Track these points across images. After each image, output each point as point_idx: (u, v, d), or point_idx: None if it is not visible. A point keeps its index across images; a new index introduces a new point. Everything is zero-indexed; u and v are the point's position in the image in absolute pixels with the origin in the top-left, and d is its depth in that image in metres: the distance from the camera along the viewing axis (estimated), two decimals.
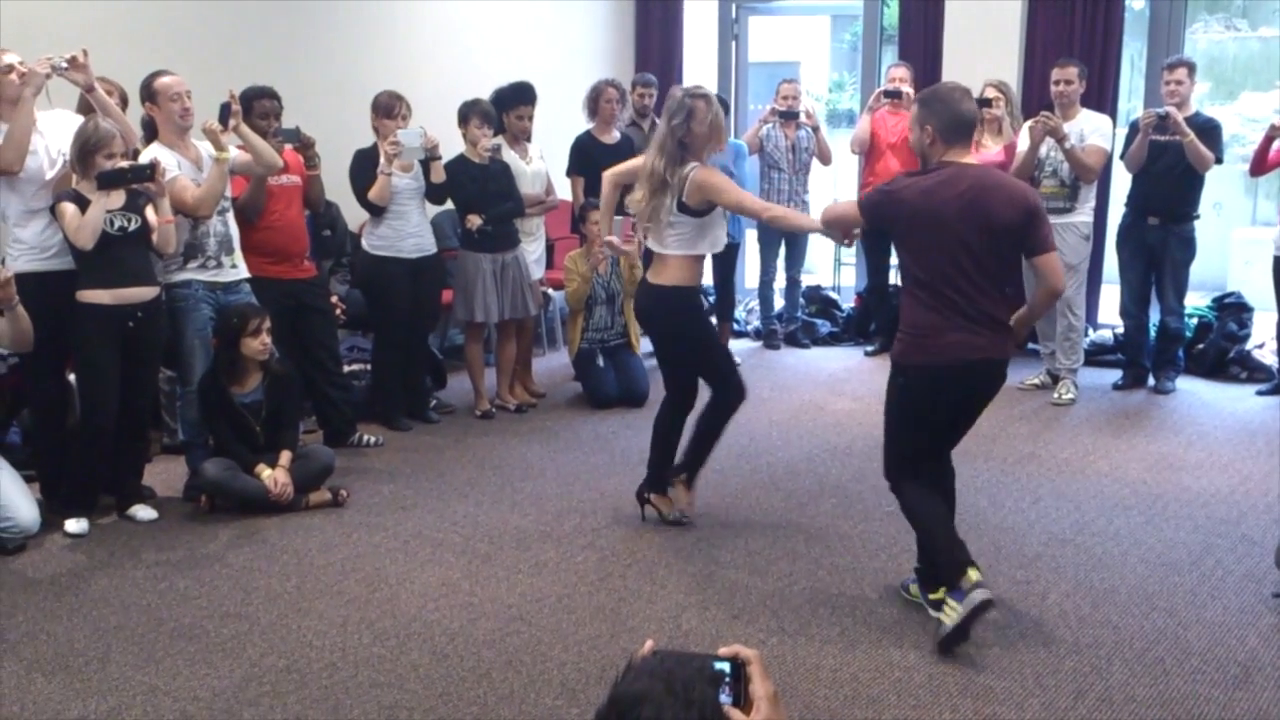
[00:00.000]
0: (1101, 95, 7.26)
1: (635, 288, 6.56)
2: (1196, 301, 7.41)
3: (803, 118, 7.65)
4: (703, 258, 4.42)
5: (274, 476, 4.76)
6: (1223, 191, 9.53)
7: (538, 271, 6.54)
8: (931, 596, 3.78)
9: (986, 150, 6.46)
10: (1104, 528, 4.61)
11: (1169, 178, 6.43)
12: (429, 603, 3.94)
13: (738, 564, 4.26)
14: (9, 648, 3.63)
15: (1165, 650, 3.57)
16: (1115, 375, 6.94)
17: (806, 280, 8.53)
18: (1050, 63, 6.84)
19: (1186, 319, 6.98)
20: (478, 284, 6.08)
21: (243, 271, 5.06)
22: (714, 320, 7.03)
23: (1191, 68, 6.48)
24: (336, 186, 6.05)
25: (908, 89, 7.21)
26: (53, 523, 4.59)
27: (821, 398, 6.69)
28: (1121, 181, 6.95)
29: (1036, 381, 6.85)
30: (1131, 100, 8.50)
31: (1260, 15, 10.66)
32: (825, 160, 7.85)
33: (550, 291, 7.30)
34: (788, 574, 4.17)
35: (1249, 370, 6.98)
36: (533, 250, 6.47)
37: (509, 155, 6.26)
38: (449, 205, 6.36)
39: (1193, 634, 3.67)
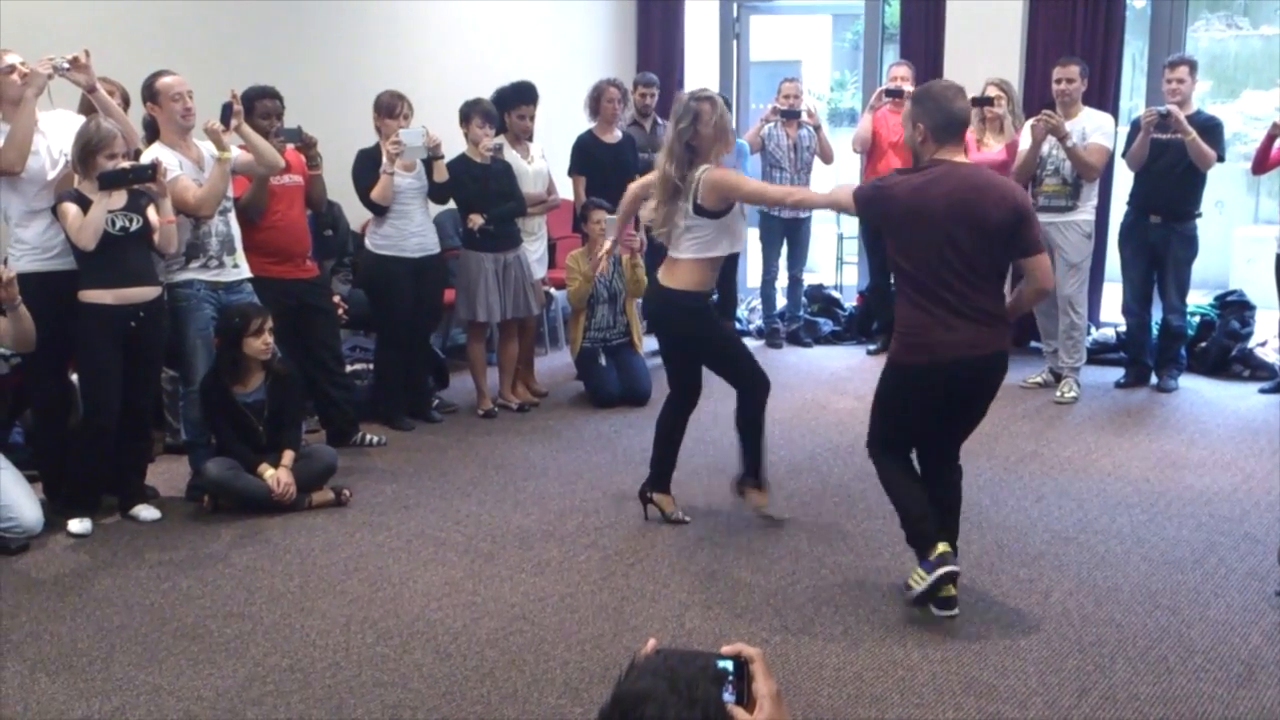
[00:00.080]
0: (1103, 94, 7.25)
1: (637, 287, 6.63)
2: (1199, 299, 7.40)
3: (804, 117, 7.65)
4: (718, 261, 4.39)
5: (277, 476, 4.76)
6: (1224, 189, 9.52)
7: (540, 271, 6.54)
8: (930, 558, 3.78)
9: (988, 149, 6.46)
10: (1107, 526, 4.61)
11: (1171, 176, 6.43)
12: (432, 602, 3.94)
13: (740, 563, 4.26)
14: (13, 648, 3.63)
15: (1168, 648, 3.57)
16: (1118, 373, 6.94)
17: (808, 279, 8.53)
18: (1052, 61, 6.84)
19: (1189, 317, 6.97)
20: (480, 283, 6.09)
21: (245, 271, 5.07)
22: None
23: (1193, 66, 6.48)
24: (338, 186, 6.06)
25: (909, 88, 7.20)
26: (56, 523, 4.59)
27: (824, 396, 6.69)
28: (1123, 180, 6.95)
29: (1039, 380, 6.85)
30: (1133, 99, 8.49)
31: (1262, 13, 10.65)
32: (827, 159, 7.85)
33: (552, 291, 7.30)
34: (790, 573, 4.17)
35: (1251, 368, 6.97)
36: (535, 249, 6.47)
37: (510, 155, 6.26)
38: (451, 205, 6.36)
39: (1196, 632, 3.67)
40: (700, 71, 9.19)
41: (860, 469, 5.19)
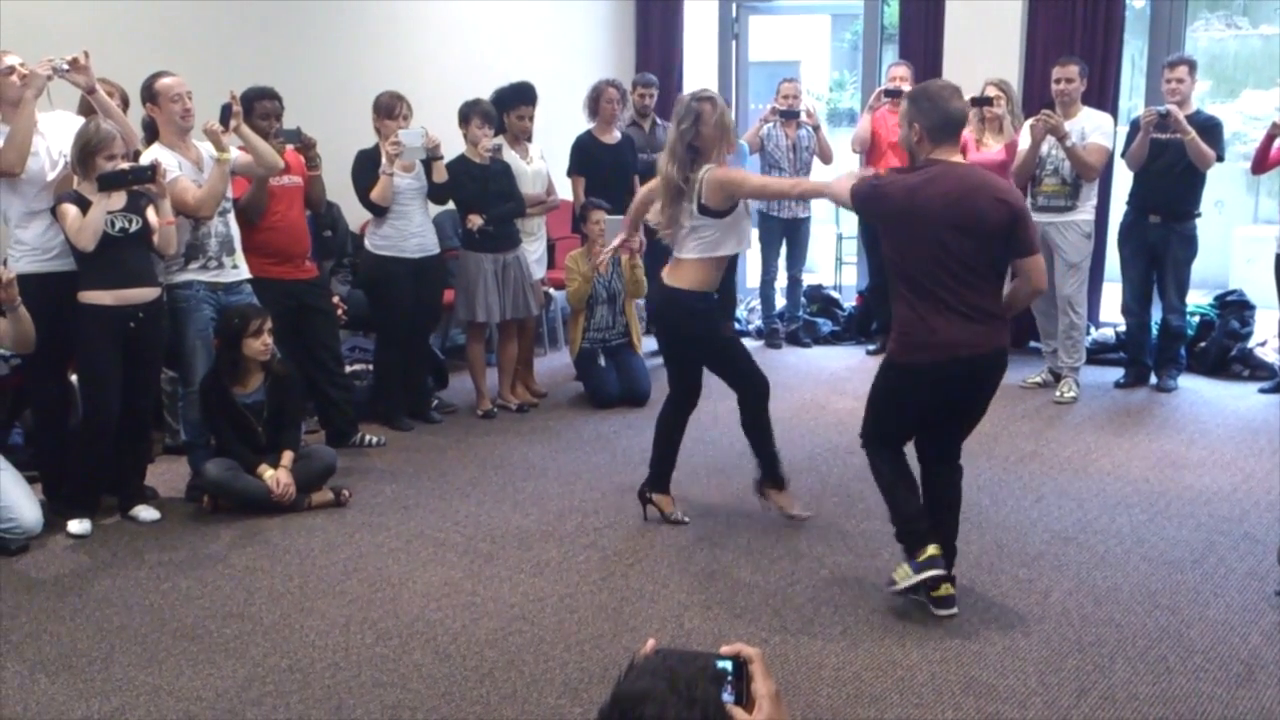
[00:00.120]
0: (1102, 93, 7.25)
1: (636, 287, 6.63)
2: (1198, 299, 7.40)
3: (803, 117, 7.65)
4: (723, 261, 4.38)
5: (276, 477, 4.76)
6: (1224, 189, 9.52)
7: (539, 271, 6.54)
8: (919, 559, 3.80)
9: (988, 149, 6.46)
10: (1106, 526, 4.61)
11: (1170, 176, 6.43)
12: (431, 602, 3.94)
13: (740, 563, 4.26)
14: (12, 648, 3.63)
15: (1168, 648, 3.57)
16: (1117, 373, 6.94)
17: (808, 279, 8.53)
18: (1051, 61, 6.84)
19: (1188, 317, 6.98)
20: (479, 284, 6.09)
21: (244, 272, 5.07)
22: None
23: (1192, 66, 6.48)
24: (338, 187, 6.06)
25: (908, 88, 7.19)
26: (55, 523, 4.60)
27: (823, 397, 6.69)
28: (1123, 180, 6.95)
29: (1038, 380, 6.85)
30: (1132, 98, 8.49)
31: (1261, 13, 10.65)
32: (826, 159, 7.85)
33: (551, 291, 7.29)
34: (790, 573, 4.17)
35: (1251, 368, 6.97)
36: (534, 250, 6.47)
37: (510, 155, 6.26)
38: (450, 205, 6.36)
39: (1195, 632, 3.67)
40: (699, 72, 9.19)
41: (860, 469, 5.18)
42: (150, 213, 4.55)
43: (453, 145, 6.06)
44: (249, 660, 3.54)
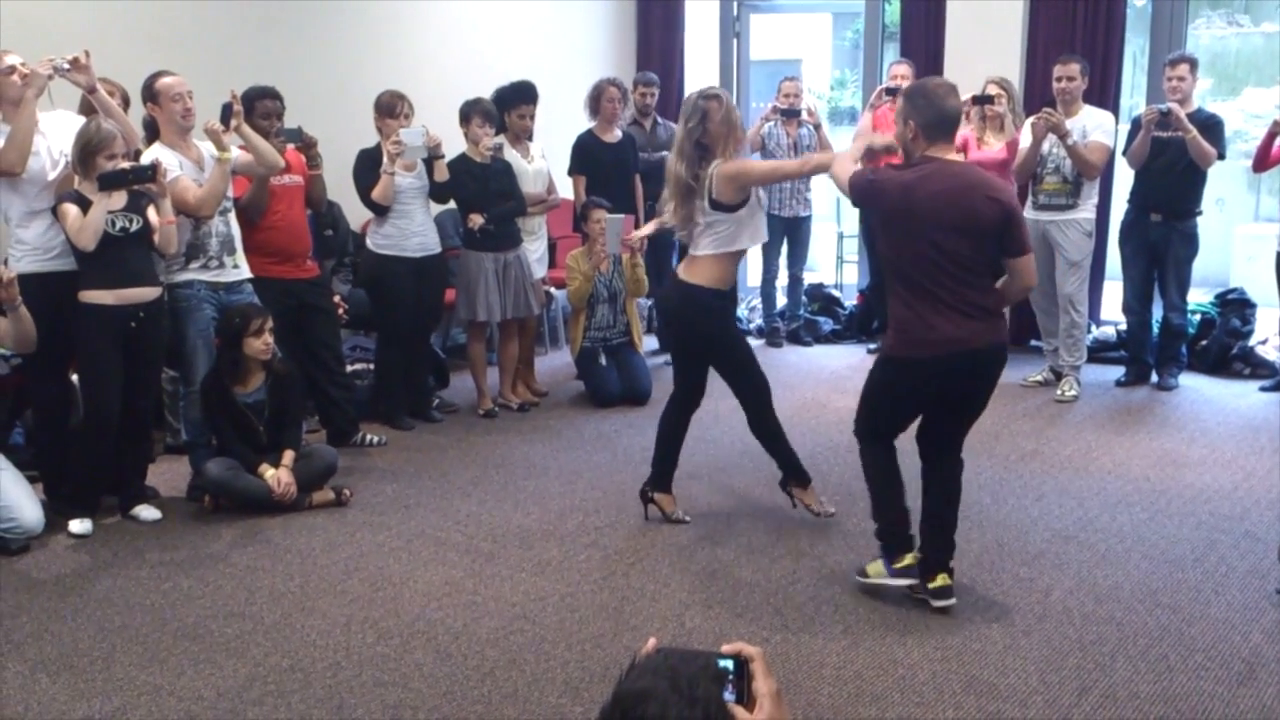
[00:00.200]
0: (1104, 91, 7.25)
1: (637, 286, 6.63)
2: (1199, 298, 7.40)
3: (804, 115, 7.65)
4: (738, 256, 4.38)
5: (277, 476, 4.76)
6: (1225, 187, 9.52)
7: (540, 270, 6.54)
8: (896, 565, 3.89)
9: (989, 147, 6.45)
10: (1107, 524, 4.61)
11: (1171, 174, 6.43)
12: (432, 602, 3.95)
13: (741, 562, 4.26)
14: (14, 648, 3.63)
15: (1169, 647, 3.57)
16: (1118, 372, 6.94)
17: (809, 278, 8.53)
18: (1052, 59, 6.83)
19: (1189, 315, 6.97)
20: (480, 283, 6.09)
21: (245, 271, 5.07)
22: None
23: (1193, 64, 6.48)
24: (338, 186, 6.06)
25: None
26: (56, 523, 4.60)
27: (824, 395, 6.69)
28: (1124, 178, 6.94)
29: (1039, 378, 6.85)
30: (1133, 96, 8.49)
31: (1262, 11, 10.65)
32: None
33: (552, 290, 7.30)
34: (791, 572, 4.17)
35: (1252, 366, 6.97)
36: (535, 249, 6.47)
37: (510, 154, 6.26)
38: (450, 204, 6.36)
39: (1196, 630, 3.67)
40: (700, 71, 9.19)
41: (860, 468, 5.19)
42: (151, 212, 4.55)
43: (453, 144, 6.06)
44: (250, 660, 3.54)
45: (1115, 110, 7.25)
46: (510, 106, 6.30)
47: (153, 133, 5.02)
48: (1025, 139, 6.49)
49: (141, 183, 4.48)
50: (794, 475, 4.61)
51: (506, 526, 4.65)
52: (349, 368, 6.07)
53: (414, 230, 5.90)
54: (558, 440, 5.87)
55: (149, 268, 4.65)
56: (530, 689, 3.35)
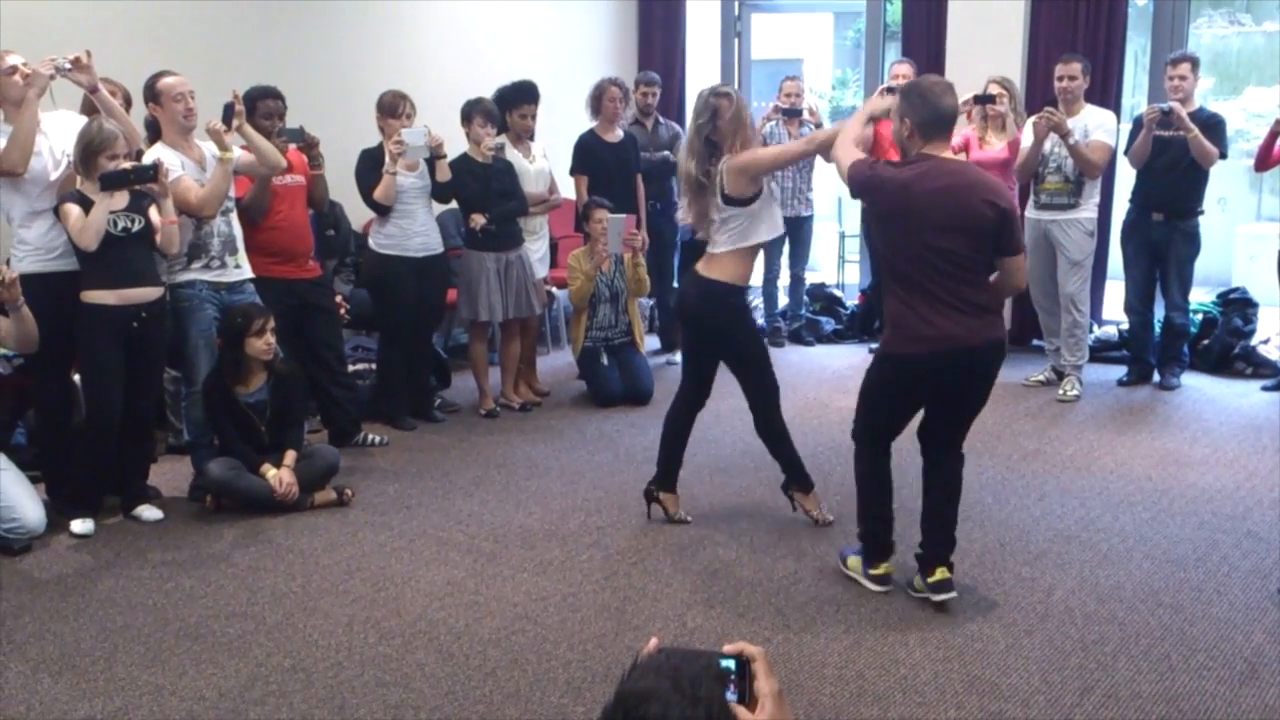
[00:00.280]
0: (1105, 91, 7.25)
1: (639, 286, 6.63)
2: (1201, 297, 7.40)
3: (806, 115, 7.64)
4: (755, 251, 4.38)
5: (279, 476, 4.77)
6: (1227, 187, 9.52)
7: (541, 270, 6.54)
8: (872, 571, 3.97)
9: (991, 147, 6.45)
10: (1109, 524, 4.60)
11: (1173, 173, 6.42)
12: (434, 602, 3.95)
13: (742, 561, 4.26)
14: (16, 648, 3.64)
15: (1171, 646, 3.56)
16: (1120, 371, 6.94)
17: (810, 277, 8.53)
18: (1054, 59, 6.83)
19: (1191, 315, 6.97)
20: (482, 283, 6.09)
21: (247, 271, 5.07)
22: None
23: (1195, 63, 6.48)
24: (340, 186, 6.06)
25: None
26: (58, 523, 4.60)
27: (826, 395, 6.69)
28: (1126, 177, 6.94)
29: (1041, 378, 6.85)
30: (1135, 96, 8.49)
31: (1264, 10, 10.64)
32: (829, 158, 7.82)
33: (554, 290, 7.30)
34: (793, 571, 4.17)
35: (1254, 366, 6.97)
36: (536, 249, 6.47)
37: (512, 154, 6.26)
38: (452, 204, 6.36)
39: (1198, 630, 3.67)
40: (702, 70, 9.19)
41: None
42: (153, 212, 4.56)
43: (455, 144, 6.06)
44: (252, 660, 3.55)
45: (1117, 109, 7.25)
46: (512, 106, 6.30)
47: (155, 133, 5.02)
48: (1027, 138, 6.48)
49: (143, 183, 4.49)
50: (797, 479, 4.61)
51: (508, 526, 4.65)
52: (351, 368, 6.08)
53: (416, 230, 5.91)
54: (559, 440, 5.87)
55: (151, 268, 4.65)
56: (532, 689, 3.35)
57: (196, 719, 3.23)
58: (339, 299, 6.04)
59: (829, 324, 8.31)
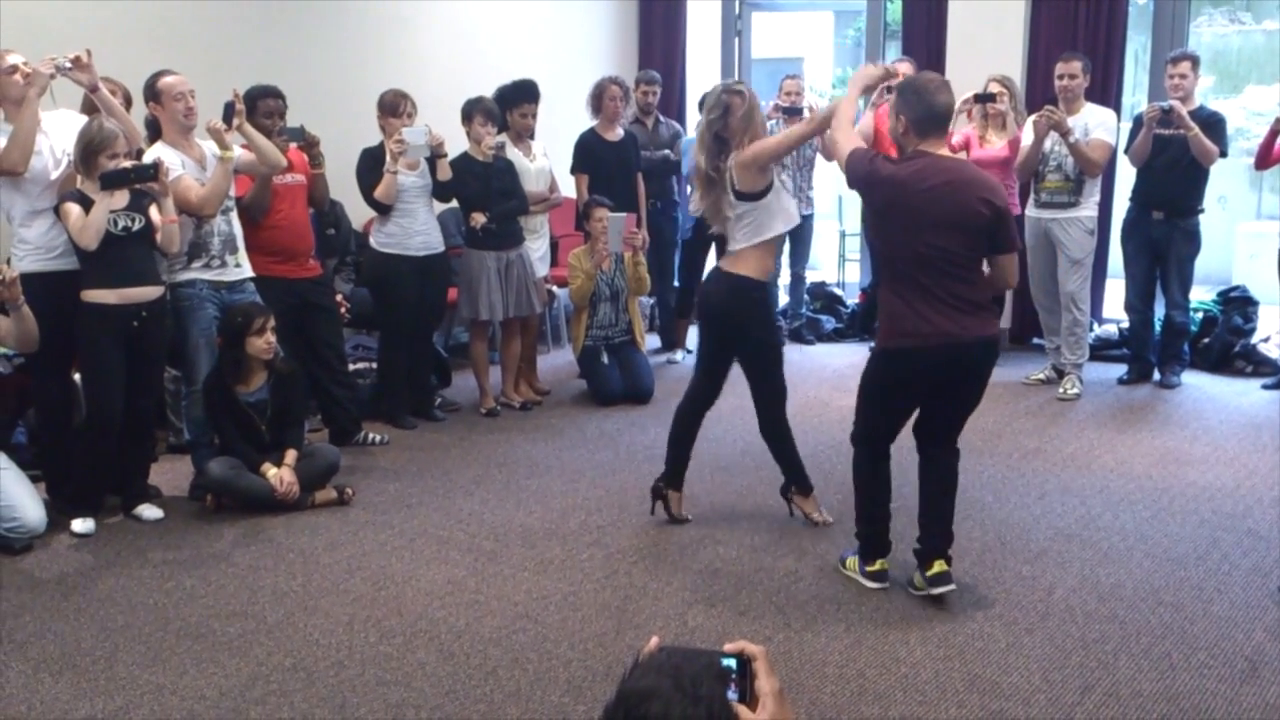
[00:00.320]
0: (1105, 89, 7.25)
1: (639, 284, 6.63)
2: (1201, 295, 7.40)
3: (806, 114, 7.60)
4: (773, 245, 4.37)
5: (279, 475, 4.76)
6: (1227, 185, 9.52)
7: (542, 269, 6.54)
8: (869, 569, 3.99)
9: (991, 145, 6.45)
10: (1110, 523, 4.60)
11: (1173, 172, 6.42)
12: (435, 601, 3.95)
13: (743, 560, 4.26)
14: (16, 647, 3.64)
15: (1172, 645, 3.56)
16: (1120, 370, 6.94)
17: (811, 276, 8.52)
18: (1054, 57, 6.83)
19: (1191, 313, 6.97)
20: (482, 282, 6.09)
21: (247, 270, 5.07)
22: None
23: (1195, 61, 6.48)
24: (341, 185, 6.06)
25: None
26: (59, 522, 4.60)
27: (826, 394, 6.69)
28: (1126, 176, 6.94)
29: (1041, 376, 6.85)
30: (1135, 94, 8.49)
31: (1265, 8, 10.64)
32: (829, 156, 7.83)
33: (554, 289, 7.30)
34: (793, 570, 4.17)
35: (1254, 364, 6.97)
36: (537, 248, 6.47)
37: (513, 153, 6.26)
38: (452, 203, 6.36)
39: (1199, 629, 3.67)
40: (702, 69, 9.19)
41: None
42: (153, 211, 4.56)
43: (456, 143, 6.06)
44: (252, 659, 3.55)
45: (1117, 108, 7.25)
46: (512, 105, 6.30)
47: (155, 132, 5.02)
48: (1027, 137, 6.48)
49: (144, 182, 4.49)
50: (797, 481, 4.61)
51: (509, 525, 4.65)
52: (351, 367, 6.07)
53: (417, 229, 5.91)
54: (560, 439, 5.87)
55: (151, 267, 4.65)
56: (533, 688, 3.35)
57: (197, 718, 3.23)
58: (339, 298, 6.04)
59: (829, 322, 8.31)
